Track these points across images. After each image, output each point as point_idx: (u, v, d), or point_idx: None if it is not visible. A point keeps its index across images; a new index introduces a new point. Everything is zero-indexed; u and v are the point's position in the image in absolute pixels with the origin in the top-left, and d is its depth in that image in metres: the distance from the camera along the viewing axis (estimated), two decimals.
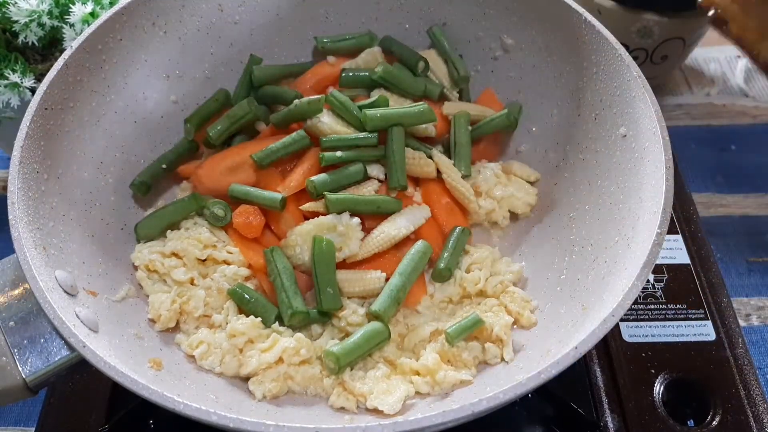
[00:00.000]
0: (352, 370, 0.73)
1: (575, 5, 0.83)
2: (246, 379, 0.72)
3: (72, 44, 0.79)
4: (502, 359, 0.73)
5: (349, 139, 0.84)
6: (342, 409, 0.70)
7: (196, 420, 0.55)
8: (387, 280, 0.78)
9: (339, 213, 0.80)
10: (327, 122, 0.85)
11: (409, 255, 0.79)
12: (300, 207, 0.82)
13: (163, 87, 0.90)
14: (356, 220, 0.79)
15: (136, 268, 0.80)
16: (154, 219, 0.83)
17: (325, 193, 0.80)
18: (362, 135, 0.84)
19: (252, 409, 0.68)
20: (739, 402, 0.81)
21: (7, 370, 0.65)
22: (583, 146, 0.84)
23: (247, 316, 0.76)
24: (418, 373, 0.72)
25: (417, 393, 0.71)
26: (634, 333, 0.88)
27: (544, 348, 0.68)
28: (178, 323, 0.77)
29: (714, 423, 0.80)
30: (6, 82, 0.92)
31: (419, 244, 0.79)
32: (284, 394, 0.72)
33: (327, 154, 0.83)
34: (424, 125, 0.87)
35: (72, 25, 0.94)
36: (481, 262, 0.82)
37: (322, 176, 0.82)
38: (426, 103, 0.90)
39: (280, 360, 0.72)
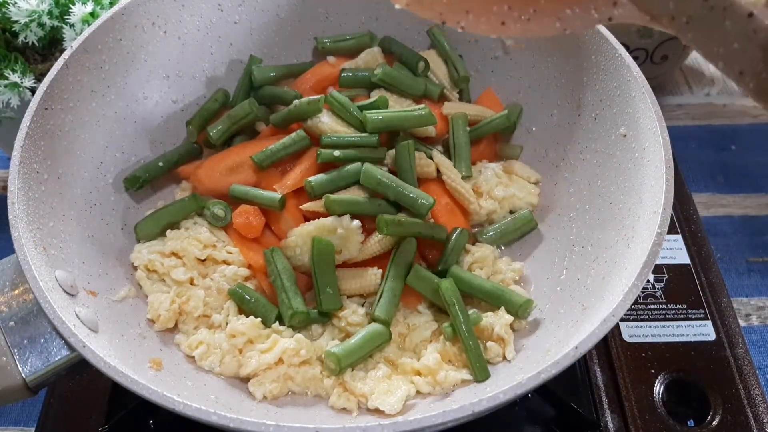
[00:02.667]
0: (352, 370, 0.73)
1: None
2: (246, 379, 0.72)
3: (72, 44, 0.79)
4: (504, 358, 0.73)
5: (350, 139, 0.84)
6: (343, 409, 0.70)
7: (196, 420, 0.55)
8: (383, 276, 0.78)
9: (340, 215, 0.80)
10: (327, 122, 0.85)
11: (399, 256, 0.79)
12: (300, 207, 0.82)
13: (163, 87, 0.90)
14: (356, 222, 0.79)
15: (135, 268, 0.80)
16: (154, 219, 0.83)
17: (327, 195, 0.80)
18: (363, 135, 0.84)
19: (252, 410, 0.68)
20: (739, 402, 0.81)
21: (7, 370, 0.65)
22: (583, 146, 0.84)
23: (247, 316, 0.76)
24: (419, 373, 0.72)
25: (418, 393, 0.71)
26: (634, 333, 0.88)
27: (544, 348, 0.68)
28: (177, 323, 0.77)
29: (714, 423, 0.80)
30: (6, 82, 0.92)
31: (404, 245, 0.79)
32: (285, 394, 0.72)
33: (324, 151, 0.83)
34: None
35: (72, 25, 0.94)
36: (482, 261, 0.82)
37: (320, 177, 0.82)
38: (426, 103, 0.90)
39: (280, 361, 0.72)
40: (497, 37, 0.80)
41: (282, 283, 0.76)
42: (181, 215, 0.84)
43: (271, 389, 0.70)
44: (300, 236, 0.79)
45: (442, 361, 0.73)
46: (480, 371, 0.70)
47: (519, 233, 0.86)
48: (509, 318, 0.74)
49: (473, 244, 0.85)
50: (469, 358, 0.71)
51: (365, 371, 0.73)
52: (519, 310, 0.74)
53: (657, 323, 0.89)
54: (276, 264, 0.78)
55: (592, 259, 0.75)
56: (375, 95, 0.90)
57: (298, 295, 0.76)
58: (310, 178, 0.81)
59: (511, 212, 0.88)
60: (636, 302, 0.91)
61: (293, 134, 0.85)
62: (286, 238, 0.80)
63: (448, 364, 0.73)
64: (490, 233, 0.85)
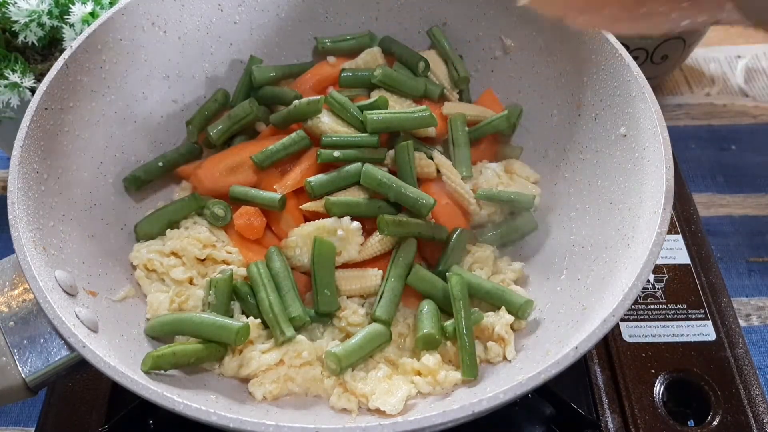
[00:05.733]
0: (353, 370, 0.73)
1: None
2: (246, 380, 0.72)
3: (72, 44, 0.79)
4: (505, 358, 0.73)
5: (350, 139, 0.84)
6: (343, 410, 0.70)
7: (196, 420, 0.55)
8: (383, 277, 0.78)
9: (340, 217, 0.79)
10: (327, 122, 0.85)
11: (399, 257, 0.79)
12: (300, 207, 0.82)
13: (163, 87, 0.90)
14: (356, 224, 0.79)
15: (134, 267, 0.80)
16: (154, 219, 0.83)
17: (326, 197, 0.80)
18: (363, 135, 0.84)
19: (252, 410, 0.68)
20: (739, 402, 0.81)
21: (7, 370, 0.65)
22: (583, 146, 0.84)
23: (248, 316, 0.76)
24: (419, 373, 0.72)
25: (418, 393, 0.71)
26: (634, 333, 0.88)
27: (544, 348, 0.68)
28: None
29: (714, 423, 0.80)
30: (6, 82, 0.92)
31: (404, 245, 0.79)
32: (284, 395, 0.72)
33: (324, 151, 0.82)
34: None
35: (72, 25, 0.94)
36: (482, 261, 0.82)
37: (320, 177, 0.82)
38: (426, 104, 0.90)
39: (281, 362, 0.72)
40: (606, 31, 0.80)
41: (269, 301, 0.74)
42: (181, 215, 0.84)
43: (271, 390, 0.70)
44: (300, 236, 0.79)
45: (442, 362, 0.73)
46: (468, 369, 0.70)
47: (519, 234, 0.86)
48: (510, 318, 0.74)
49: (473, 244, 0.85)
50: (461, 354, 0.71)
51: (366, 371, 0.73)
52: (519, 310, 0.74)
53: (657, 323, 0.89)
54: (263, 275, 0.76)
55: (592, 259, 0.75)
56: (375, 95, 0.90)
57: (297, 299, 0.76)
58: (310, 179, 0.81)
59: (512, 213, 0.88)
60: (636, 302, 0.91)
61: (293, 134, 0.85)
62: (287, 238, 0.80)
63: (448, 365, 0.73)
64: (490, 233, 0.85)
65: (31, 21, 0.93)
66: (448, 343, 0.74)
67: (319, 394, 0.72)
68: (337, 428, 0.54)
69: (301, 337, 0.73)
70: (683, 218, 1.00)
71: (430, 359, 0.72)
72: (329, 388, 0.72)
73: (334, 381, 0.72)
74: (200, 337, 0.71)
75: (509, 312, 0.75)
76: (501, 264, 0.83)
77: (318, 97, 0.85)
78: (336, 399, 0.70)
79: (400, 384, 0.70)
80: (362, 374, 0.73)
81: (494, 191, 0.85)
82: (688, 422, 0.82)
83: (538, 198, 0.88)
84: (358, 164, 0.82)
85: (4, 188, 0.83)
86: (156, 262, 0.79)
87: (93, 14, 0.95)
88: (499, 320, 0.74)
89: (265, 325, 0.75)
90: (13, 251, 0.65)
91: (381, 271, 0.78)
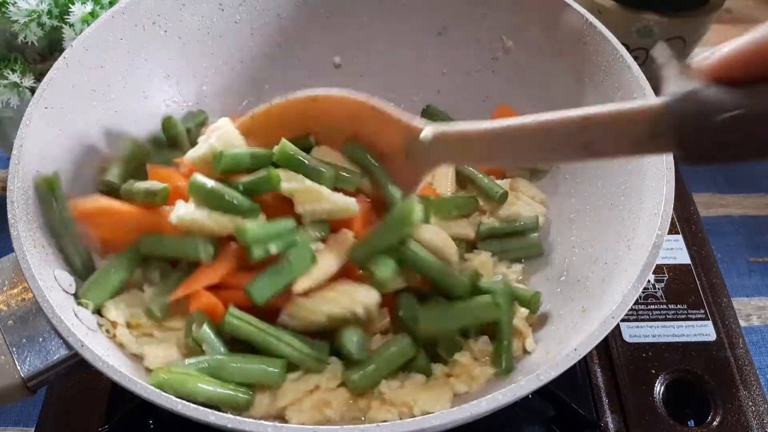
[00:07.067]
0: (387, 380, 0.68)
1: (576, 5, 0.83)
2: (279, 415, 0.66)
3: (72, 43, 0.79)
4: (524, 350, 0.72)
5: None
6: (384, 422, 0.63)
7: (195, 420, 0.55)
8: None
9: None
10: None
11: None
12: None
13: (164, 86, 0.90)
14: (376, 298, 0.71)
15: (113, 324, 0.69)
16: (99, 285, 0.70)
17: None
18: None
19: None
20: (739, 402, 0.81)
21: (6, 369, 0.64)
22: None
23: None
24: (450, 376, 0.70)
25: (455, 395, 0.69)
26: (634, 333, 0.88)
27: (543, 349, 0.68)
28: None
29: (714, 423, 0.80)
30: (5, 81, 0.92)
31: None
32: (323, 423, 0.66)
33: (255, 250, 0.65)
34: None
35: (72, 25, 0.94)
36: (482, 268, 0.81)
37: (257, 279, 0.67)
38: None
39: (316, 387, 0.67)
40: None
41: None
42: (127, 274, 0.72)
43: (309, 418, 0.65)
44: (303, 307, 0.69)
45: (472, 358, 0.71)
46: (507, 363, 0.69)
47: (522, 253, 0.83)
48: (524, 311, 0.74)
49: (471, 251, 0.84)
50: (502, 352, 0.70)
51: (401, 380, 0.69)
52: (530, 302, 0.74)
53: (657, 323, 0.89)
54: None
55: (592, 260, 0.75)
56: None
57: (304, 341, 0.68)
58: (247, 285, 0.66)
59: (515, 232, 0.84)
60: (636, 302, 0.90)
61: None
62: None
63: (475, 362, 0.72)
64: (493, 245, 0.83)
65: (31, 21, 0.93)
66: (470, 340, 0.72)
67: (355, 416, 0.67)
68: (336, 428, 0.54)
69: (334, 359, 0.69)
70: (683, 218, 1.00)
71: (462, 357, 0.70)
72: (364, 407, 0.67)
73: (369, 397, 0.68)
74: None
75: (521, 305, 0.74)
76: (500, 267, 0.82)
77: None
78: (375, 413, 0.66)
79: (440, 386, 0.68)
80: (397, 383, 0.69)
81: (495, 226, 0.84)
82: (688, 422, 0.82)
83: (542, 218, 0.86)
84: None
85: (4, 189, 0.83)
86: (141, 319, 0.70)
87: (93, 14, 0.94)
88: (515, 314, 0.73)
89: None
90: (12, 250, 0.65)
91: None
